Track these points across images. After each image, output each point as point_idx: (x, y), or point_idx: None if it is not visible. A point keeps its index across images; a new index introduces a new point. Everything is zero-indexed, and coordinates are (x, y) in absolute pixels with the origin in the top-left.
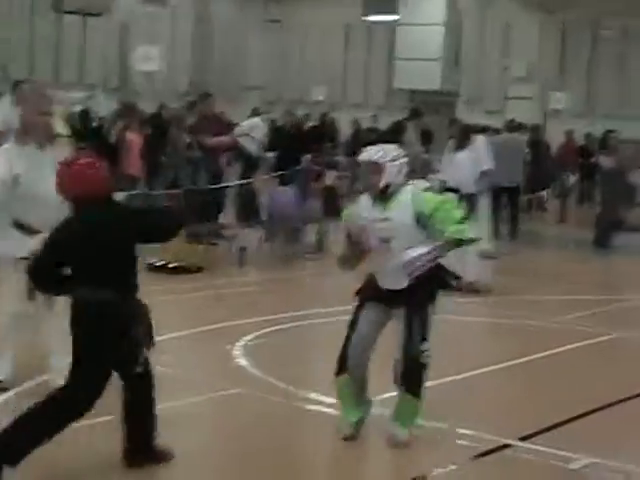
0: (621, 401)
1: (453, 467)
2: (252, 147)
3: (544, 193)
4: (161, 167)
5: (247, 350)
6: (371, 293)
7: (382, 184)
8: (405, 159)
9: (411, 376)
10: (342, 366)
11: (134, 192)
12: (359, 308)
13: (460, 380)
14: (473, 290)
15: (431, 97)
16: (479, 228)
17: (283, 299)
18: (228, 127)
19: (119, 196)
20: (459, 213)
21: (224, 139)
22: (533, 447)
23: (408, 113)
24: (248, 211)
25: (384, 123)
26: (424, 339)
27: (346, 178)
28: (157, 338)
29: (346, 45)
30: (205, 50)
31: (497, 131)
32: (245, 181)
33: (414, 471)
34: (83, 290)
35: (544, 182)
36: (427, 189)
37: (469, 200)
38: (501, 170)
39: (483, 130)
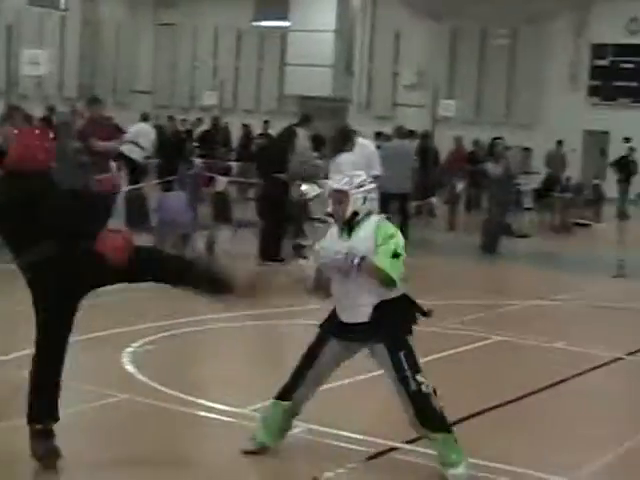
0: (507, 402)
1: (341, 470)
2: (135, 154)
3: (433, 200)
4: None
5: (135, 357)
6: (334, 328)
7: (348, 213)
8: (371, 185)
9: (425, 414)
10: (286, 395)
11: None
12: (320, 342)
13: (348, 385)
14: None
15: (322, 103)
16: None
17: (172, 305)
18: (117, 132)
19: None
20: (398, 249)
21: (112, 144)
22: (421, 450)
23: (298, 119)
24: (137, 217)
25: (275, 129)
26: (419, 370)
27: (237, 184)
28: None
29: (237, 50)
30: (94, 54)
31: (388, 137)
32: (133, 187)
33: (304, 476)
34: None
35: (433, 189)
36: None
37: None
38: (391, 176)
39: (377, 135)
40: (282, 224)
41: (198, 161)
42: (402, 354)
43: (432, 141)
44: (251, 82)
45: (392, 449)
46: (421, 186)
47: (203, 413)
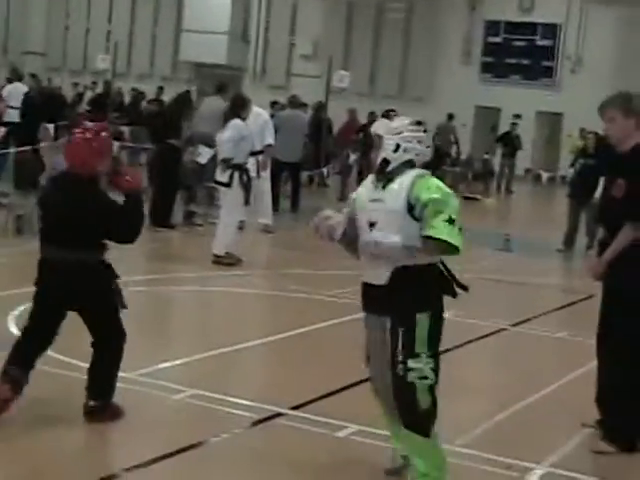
0: None
1: (226, 435)
2: (9, 116)
3: (325, 170)
4: None
5: (22, 320)
6: (364, 300)
7: (378, 160)
8: (417, 134)
9: (402, 404)
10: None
11: None
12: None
13: (234, 351)
14: (224, 263)
15: (217, 71)
16: (259, 202)
17: None
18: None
19: None
20: (453, 214)
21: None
22: (305, 416)
23: (215, 87)
24: (27, 179)
25: (169, 95)
26: (414, 354)
27: (129, 149)
28: None
29: (132, 14)
30: None
31: (283, 107)
32: (23, 148)
33: (185, 440)
34: None
35: (325, 159)
36: (438, 177)
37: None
38: (283, 145)
39: (272, 105)
40: (173, 190)
41: (90, 124)
42: (401, 331)
43: (325, 112)
44: (146, 47)
45: (278, 414)
46: (314, 156)
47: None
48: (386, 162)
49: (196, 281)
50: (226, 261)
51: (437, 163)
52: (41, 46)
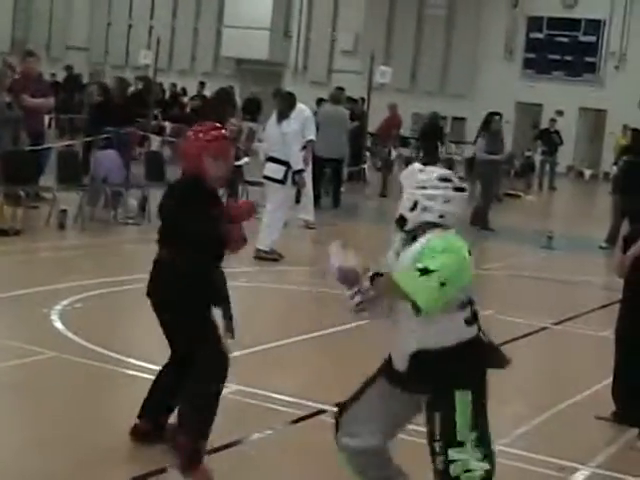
0: None
1: (270, 432)
2: None
3: (364, 166)
4: None
5: (64, 314)
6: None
7: (397, 214)
8: (440, 192)
9: None
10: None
11: None
12: (371, 380)
13: (278, 347)
14: (266, 258)
15: (259, 67)
16: (304, 198)
17: (102, 264)
18: (50, 88)
19: None
20: (431, 265)
21: (45, 100)
22: None
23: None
24: (70, 174)
25: (211, 90)
26: (455, 443)
27: (171, 144)
28: None
29: (174, 10)
30: (29, 7)
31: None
32: (67, 143)
33: (230, 437)
34: None
35: (365, 155)
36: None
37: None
38: (325, 142)
39: (318, 102)
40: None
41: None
42: (438, 415)
43: (367, 108)
44: (187, 43)
45: (321, 411)
46: (355, 152)
47: (132, 372)
48: (403, 219)
49: (238, 276)
50: (269, 256)
51: None
52: (84, 41)
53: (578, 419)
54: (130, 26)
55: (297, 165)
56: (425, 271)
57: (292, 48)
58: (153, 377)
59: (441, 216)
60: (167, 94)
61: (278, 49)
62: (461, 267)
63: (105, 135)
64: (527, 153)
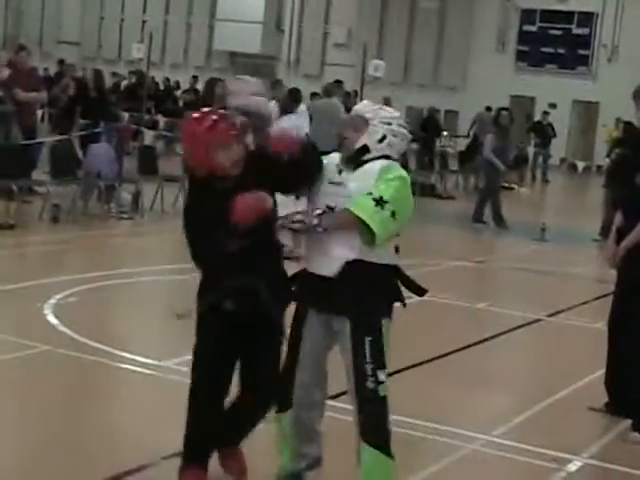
0: (441, 356)
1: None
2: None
3: None
4: None
5: (58, 308)
6: (306, 293)
7: (359, 144)
8: (401, 130)
9: (371, 421)
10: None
11: None
12: (300, 319)
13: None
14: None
15: (251, 60)
16: None
17: (96, 258)
18: (43, 82)
19: None
20: (385, 195)
21: (38, 94)
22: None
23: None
24: (63, 168)
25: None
26: (380, 366)
27: (164, 138)
28: None
29: (167, 3)
30: (20, 2)
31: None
32: (60, 137)
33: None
34: None
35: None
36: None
37: None
38: (316, 135)
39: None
40: None
41: (124, 114)
42: (368, 340)
43: (359, 101)
44: (180, 36)
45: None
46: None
47: (125, 365)
48: (365, 149)
49: None
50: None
51: (473, 152)
52: (76, 36)
53: (571, 410)
54: (122, 20)
55: None
56: (379, 201)
57: (285, 41)
58: (147, 371)
59: (398, 151)
60: (161, 87)
61: (271, 42)
62: (409, 200)
63: (97, 129)
64: (519, 145)
